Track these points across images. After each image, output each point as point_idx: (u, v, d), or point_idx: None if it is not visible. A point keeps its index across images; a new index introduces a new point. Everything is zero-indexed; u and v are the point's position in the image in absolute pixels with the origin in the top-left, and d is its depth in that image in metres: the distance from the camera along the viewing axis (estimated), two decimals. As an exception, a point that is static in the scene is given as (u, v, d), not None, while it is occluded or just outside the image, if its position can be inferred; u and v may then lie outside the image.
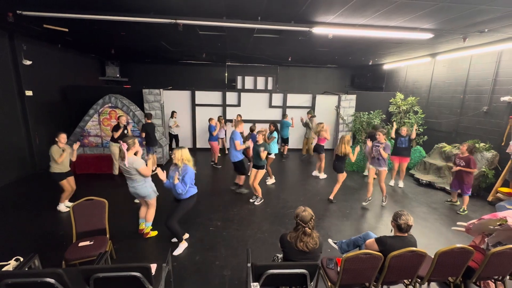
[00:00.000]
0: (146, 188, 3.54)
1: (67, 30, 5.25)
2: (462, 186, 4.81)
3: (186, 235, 3.76)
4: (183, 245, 3.49)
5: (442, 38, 5.39)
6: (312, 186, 5.97)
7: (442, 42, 5.84)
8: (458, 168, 4.73)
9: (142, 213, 3.79)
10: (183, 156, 3.27)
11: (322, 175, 6.46)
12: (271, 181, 6.07)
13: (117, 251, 3.37)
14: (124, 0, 3.67)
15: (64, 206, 4.55)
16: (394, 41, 5.89)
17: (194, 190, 3.44)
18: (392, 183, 6.24)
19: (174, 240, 3.59)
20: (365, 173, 6.80)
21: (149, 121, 6.38)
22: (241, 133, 5.66)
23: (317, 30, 4.61)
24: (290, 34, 5.41)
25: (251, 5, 3.79)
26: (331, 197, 5.11)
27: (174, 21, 4.15)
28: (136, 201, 4.67)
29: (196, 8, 3.94)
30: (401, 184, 6.13)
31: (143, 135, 6.29)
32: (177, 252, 3.40)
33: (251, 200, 5.05)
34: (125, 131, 5.96)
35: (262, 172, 4.82)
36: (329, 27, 4.57)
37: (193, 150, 8.97)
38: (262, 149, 4.63)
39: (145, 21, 4.20)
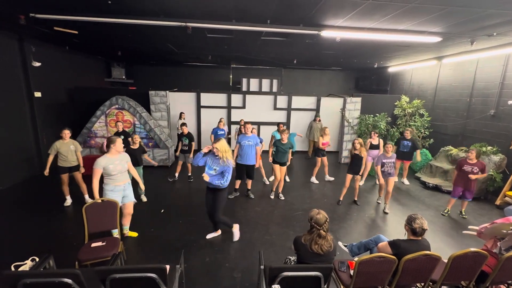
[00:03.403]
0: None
1: (76, 32, 5.31)
2: (466, 192, 4.61)
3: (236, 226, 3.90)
4: (236, 229, 3.79)
5: (450, 41, 5.39)
6: (319, 189, 5.97)
7: (449, 45, 5.84)
8: (476, 176, 4.43)
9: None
10: (225, 147, 3.42)
11: (314, 179, 6.34)
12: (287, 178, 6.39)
13: (126, 252, 3.39)
14: (135, 3, 3.71)
15: (68, 199, 4.77)
16: (401, 44, 5.90)
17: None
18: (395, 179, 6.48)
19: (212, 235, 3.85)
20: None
21: None
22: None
23: (325, 34, 4.63)
24: (297, 37, 5.43)
25: (261, 8, 3.81)
26: (341, 197, 5.21)
27: (184, 24, 4.19)
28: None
29: (206, 11, 3.98)
30: (406, 181, 6.50)
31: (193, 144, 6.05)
32: (236, 237, 3.76)
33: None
34: (121, 136, 5.74)
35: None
36: (337, 31, 4.59)
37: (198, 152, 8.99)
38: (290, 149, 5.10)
39: (155, 24, 4.25)
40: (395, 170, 4.81)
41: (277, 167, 5.13)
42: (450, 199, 4.83)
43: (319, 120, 8.32)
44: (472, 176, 4.43)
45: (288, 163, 5.23)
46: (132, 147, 4.74)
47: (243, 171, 5.09)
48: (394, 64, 9.07)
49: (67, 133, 4.54)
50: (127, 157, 3.55)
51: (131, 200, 3.60)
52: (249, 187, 5.36)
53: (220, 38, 5.86)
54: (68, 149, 4.52)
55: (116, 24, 4.48)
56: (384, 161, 4.76)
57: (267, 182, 6.19)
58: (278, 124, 6.46)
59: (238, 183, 5.26)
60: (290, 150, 5.23)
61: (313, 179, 6.36)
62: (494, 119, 6.02)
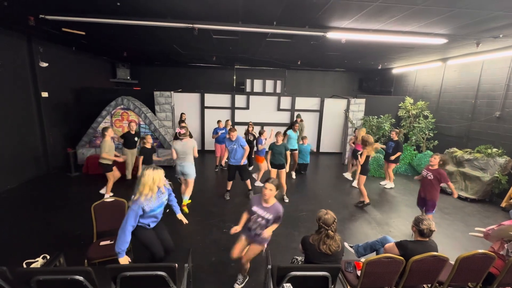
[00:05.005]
0: (193, 168, 4.46)
1: (84, 33, 5.37)
2: (426, 202, 4.01)
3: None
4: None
5: (455, 43, 5.38)
6: (322, 190, 5.98)
7: (455, 47, 5.83)
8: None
9: (183, 190, 4.61)
10: (151, 181, 2.56)
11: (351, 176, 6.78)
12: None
13: (133, 250, 3.42)
14: (143, 5, 3.76)
15: (108, 196, 4.96)
16: (406, 46, 5.89)
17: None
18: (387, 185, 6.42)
19: None
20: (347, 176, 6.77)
21: None
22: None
23: (331, 35, 4.65)
24: (302, 39, 5.45)
25: (267, 10, 3.84)
26: (366, 200, 5.10)
27: (191, 25, 4.23)
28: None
29: (213, 13, 4.02)
30: (385, 183, 6.35)
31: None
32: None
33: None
34: (135, 138, 5.95)
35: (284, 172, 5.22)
36: (343, 32, 4.61)
37: (202, 152, 9.03)
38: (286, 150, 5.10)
39: (162, 25, 4.29)
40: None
41: (273, 171, 5.17)
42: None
43: (301, 120, 7.92)
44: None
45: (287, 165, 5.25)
46: (146, 146, 5.00)
47: (234, 171, 5.15)
48: (398, 65, 9.07)
49: (111, 130, 4.97)
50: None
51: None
52: (250, 188, 5.38)
53: (226, 39, 5.90)
54: (113, 147, 4.92)
55: (124, 25, 4.52)
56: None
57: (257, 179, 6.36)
58: (294, 122, 6.61)
59: (229, 184, 5.29)
60: (298, 152, 5.34)
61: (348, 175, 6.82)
62: (500, 121, 6.00)
